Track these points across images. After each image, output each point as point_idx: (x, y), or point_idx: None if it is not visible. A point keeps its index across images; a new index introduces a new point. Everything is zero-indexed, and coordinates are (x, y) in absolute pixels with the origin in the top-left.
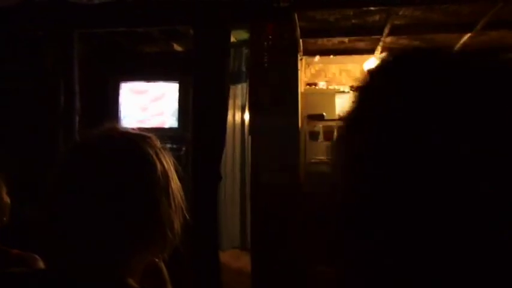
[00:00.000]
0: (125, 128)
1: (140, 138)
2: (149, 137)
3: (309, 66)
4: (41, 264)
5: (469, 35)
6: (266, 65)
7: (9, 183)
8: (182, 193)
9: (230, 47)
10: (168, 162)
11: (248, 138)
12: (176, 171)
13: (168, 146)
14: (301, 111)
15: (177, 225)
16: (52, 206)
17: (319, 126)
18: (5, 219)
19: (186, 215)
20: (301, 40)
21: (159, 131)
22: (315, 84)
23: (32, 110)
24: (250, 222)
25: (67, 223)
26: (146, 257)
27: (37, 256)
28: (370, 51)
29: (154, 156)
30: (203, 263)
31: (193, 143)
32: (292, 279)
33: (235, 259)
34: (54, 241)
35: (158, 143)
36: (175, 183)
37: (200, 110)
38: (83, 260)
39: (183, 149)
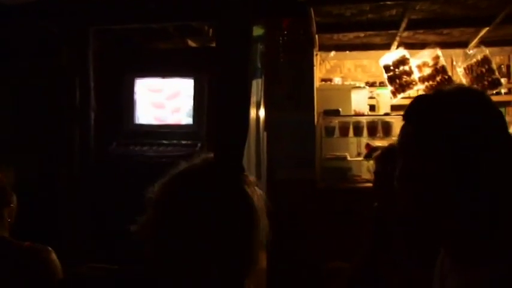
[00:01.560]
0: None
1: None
2: (246, 175)
3: (323, 62)
4: (54, 256)
5: (486, 29)
6: (281, 60)
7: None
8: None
9: (252, 41)
10: (258, 199)
11: (263, 135)
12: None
13: (183, 142)
14: (317, 107)
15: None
16: (159, 232)
17: (335, 121)
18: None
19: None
20: (316, 35)
21: (175, 128)
22: (330, 80)
23: (47, 107)
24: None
25: (170, 252)
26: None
27: (50, 248)
28: (386, 46)
29: (249, 193)
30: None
31: (214, 135)
32: (308, 276)
33: None
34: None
35: (253, 179)
36: (263, 221)
37: (223, 101)
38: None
39: (198, 145)
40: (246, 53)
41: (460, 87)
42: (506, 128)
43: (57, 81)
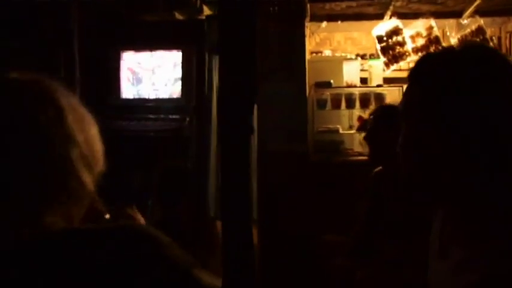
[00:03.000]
0: (14, 75)
1: (30, 83)
2: (41, 81)
3: (313, 34)
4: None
5: None
6: (272, 31)
7: None
8: (94, 140)
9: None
10: (67, 107)
11: (254, 107)
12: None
13: (172, 116)
14: (308, 79)
15: (84, 174)
16: None
17: (327, 94)
18: None
19: (100, 164)
20: (308, 5)
21: (163, 102)
22: (320, 53)
23: None
24: (256, 192)
25: None
26: (61, 209)
27: None
28: (379, 16)
29: (45, 101)
30: (236, 225)
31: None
32: (300, 250)
33: None
34: None
35: (55, 87)
36: (80, 130)
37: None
38: None
39: (187, 118)
40: (252, 19)
41: (473, 44)
42: None
43: (41, 55)
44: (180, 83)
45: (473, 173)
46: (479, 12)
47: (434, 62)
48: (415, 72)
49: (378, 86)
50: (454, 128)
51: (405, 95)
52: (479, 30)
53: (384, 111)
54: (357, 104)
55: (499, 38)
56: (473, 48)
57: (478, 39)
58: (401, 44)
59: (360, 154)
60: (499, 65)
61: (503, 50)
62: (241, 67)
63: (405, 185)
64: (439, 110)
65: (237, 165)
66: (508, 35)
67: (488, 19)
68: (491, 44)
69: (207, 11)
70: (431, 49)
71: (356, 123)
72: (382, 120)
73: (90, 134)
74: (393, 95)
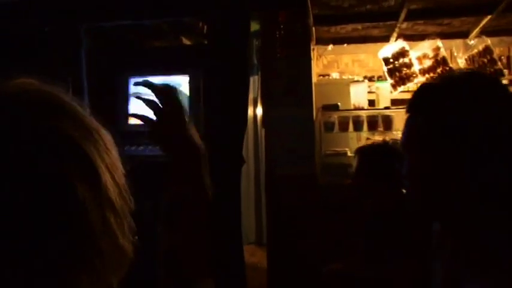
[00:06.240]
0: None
1: (51, 112)
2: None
3: (320, 57)
4: None
5: (488, 17)
6: (278, 55)
7: None
8: (127, 191)
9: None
10: (100, 151)
11: (261, 132)
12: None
13: None
14: (315, 102)
15: (122, 237)
16: None
17: (334, 116)
18: None
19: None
20: (313, 28)
21: None
22: (328, 75)
23: None
24: (265, 216)
25: None
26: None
27: None
28: (385, 38)
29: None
30: (228, 255)
31: (211, 127)
32: (308, 275)
33: (250, 255)
34: None
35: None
36: (110, 181)
37: (220, 95)
38: None
39: None
40: (245, 46)
41: (470, 72)
42: None
43: (49, 82)
44: (188, 107)
45: (481, 201)
46: (486, 32)
47: (435, 91)
48: (416, 102)
49: (386, 108)
50: (459, 155)
51: (407, 126)
52: (487, 50)
53: None
54: (365, 126)
55: (508, 58)
56: (472, 75)
57: (485, 60)
58: (408, 65)
59: None
60: (498, 91)
61: None
62: (236, 96)
63: (414, 215)
64: (444, 139)
65: (231, 196)
66: None
67: (496, 39)
68: (499, 63)
69: None
70: (439, 70)
71: None
72: None
73: (116, 183)
74: (401, 117)
